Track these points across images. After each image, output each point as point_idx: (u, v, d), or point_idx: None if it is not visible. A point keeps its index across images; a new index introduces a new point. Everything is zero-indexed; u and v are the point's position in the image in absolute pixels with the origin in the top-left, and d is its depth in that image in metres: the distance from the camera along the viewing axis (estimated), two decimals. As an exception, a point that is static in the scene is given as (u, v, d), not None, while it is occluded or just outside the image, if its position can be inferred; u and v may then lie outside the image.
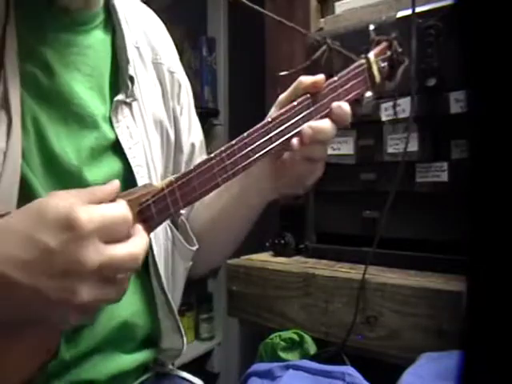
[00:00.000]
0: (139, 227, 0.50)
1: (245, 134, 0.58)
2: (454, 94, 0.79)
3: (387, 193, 0.81)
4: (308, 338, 0.85)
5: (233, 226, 0.74)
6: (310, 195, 1.00)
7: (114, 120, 0.62)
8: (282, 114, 0.59)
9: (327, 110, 0.61)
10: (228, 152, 0.56)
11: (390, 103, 0.86)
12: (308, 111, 0.60)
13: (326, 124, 0.60)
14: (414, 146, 0.84)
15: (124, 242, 0.46)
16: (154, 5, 0.78)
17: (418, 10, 0.82)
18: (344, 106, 0.61)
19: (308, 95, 0.61)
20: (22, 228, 0.44)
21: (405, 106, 0.84)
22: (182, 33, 1.77)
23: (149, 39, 0.72)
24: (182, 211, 0.72)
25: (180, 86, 0.75)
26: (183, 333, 0.69)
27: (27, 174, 0.56)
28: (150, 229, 0.53)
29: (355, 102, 0.64)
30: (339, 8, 1.05)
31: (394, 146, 0.87)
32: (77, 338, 0.59)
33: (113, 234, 0.45)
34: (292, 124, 0.60)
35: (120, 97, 0.63)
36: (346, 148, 0.93)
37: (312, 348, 0.84)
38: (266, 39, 1.33)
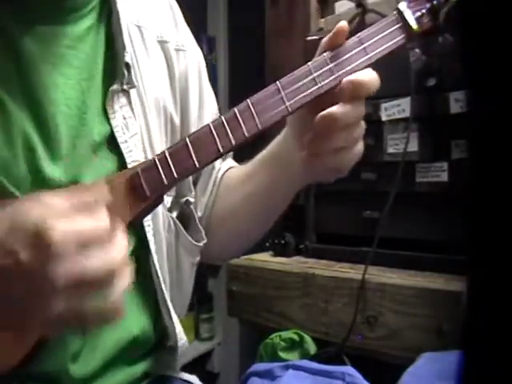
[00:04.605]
0: (119, 231, 0.44)
1: (248, 100, 0.52)
2: (454, 94, 0.79)
3: (387, 193, 0.81)
4: (308, 338, 0.85)
5: (256, 215, 0.70)
6: (310, 195, 1.00)
7: (109, 111, 0.58)
8: (290, 76, 0.53)
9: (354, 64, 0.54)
10: (229, 116, 0.51)
11: (390, 103, 0.86)
12: (326, 68, 0.54)
13: (367, 75, 0.53)
14: (414, 146, 0.84)
15: (99, 251, 0.42)
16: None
17: (418, 9, 0.82)
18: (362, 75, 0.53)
19: (326, 53, 0.54)
20: None
21: (405, 105, 0.84)
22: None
23: (153, 15, 0.66)
24: (191, 199, 0.68)
25: (188, 64, 0.70)
26: (177, 330, 0.65)
27: (9, 188, 0.51)
28: (139, 200, 0.50)
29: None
30: (339, 8, 1.05)
31: (394, 145, 0.87)
32: (87, 357, 0.57)
33: (87, 249, 0.41)
34: (306, 83, 0.53)
35: (115, 86, 0.58)
36: (346, 148, 0.93)
37: (312, 348, 0.84)
38: (266, 38, 1.33)
